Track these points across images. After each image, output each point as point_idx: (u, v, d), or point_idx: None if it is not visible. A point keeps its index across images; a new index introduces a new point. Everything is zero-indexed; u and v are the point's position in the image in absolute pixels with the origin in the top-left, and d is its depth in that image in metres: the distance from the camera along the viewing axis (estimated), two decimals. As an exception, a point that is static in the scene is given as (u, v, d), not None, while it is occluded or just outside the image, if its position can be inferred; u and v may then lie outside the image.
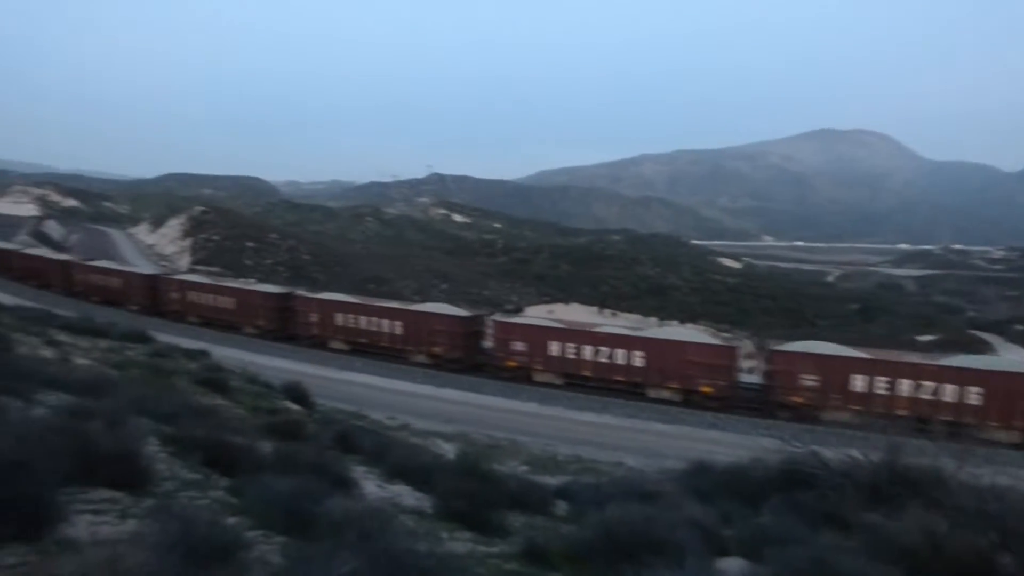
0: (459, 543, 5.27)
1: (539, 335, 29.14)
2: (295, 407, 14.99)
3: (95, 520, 3.87)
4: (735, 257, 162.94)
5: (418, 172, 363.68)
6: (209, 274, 59.75)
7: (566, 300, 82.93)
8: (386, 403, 25.76)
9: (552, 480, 12.65)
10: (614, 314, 76.86)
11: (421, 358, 31.97)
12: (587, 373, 28.07)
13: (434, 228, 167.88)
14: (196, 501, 4.77)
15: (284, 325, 36.83)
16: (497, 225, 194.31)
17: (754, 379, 29.54)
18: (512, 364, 29.55)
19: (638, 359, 27.15)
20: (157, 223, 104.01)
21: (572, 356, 28.32)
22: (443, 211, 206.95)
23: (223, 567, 3.15)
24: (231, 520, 4.19)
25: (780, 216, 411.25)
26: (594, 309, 78.11)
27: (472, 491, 6.19)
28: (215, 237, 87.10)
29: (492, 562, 4.82)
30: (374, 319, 33.46)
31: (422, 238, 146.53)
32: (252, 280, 55.85)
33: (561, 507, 7.88)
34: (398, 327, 32.62)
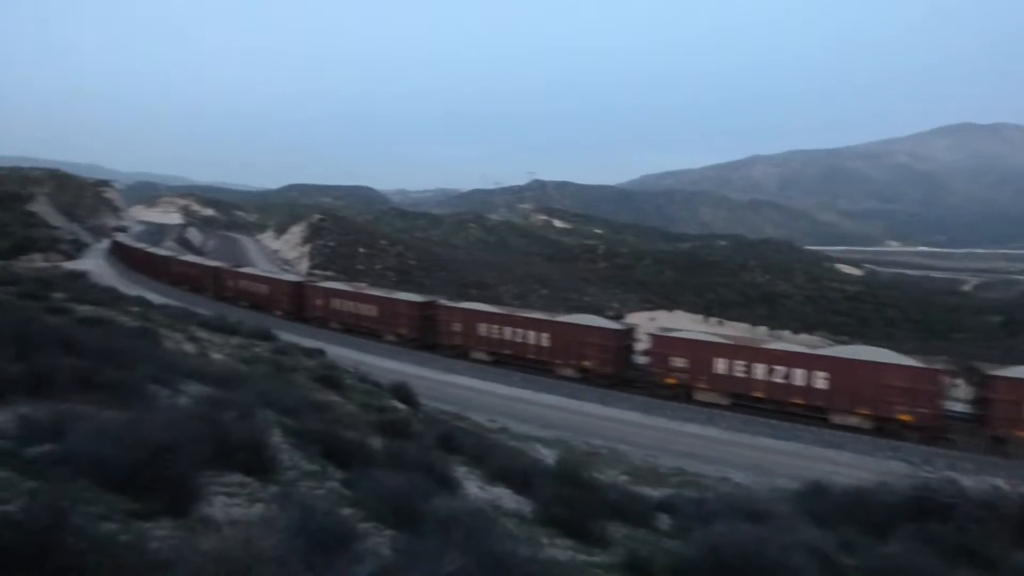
0: (559, 550, 5.27)
1: (703, 351, 27.18)
2: (401, 406, 15.59)
3: (228, 502, 4.22)
4: (855, 264, 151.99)
5: (520, 179, 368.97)
6: (326, 277, 63.50)
7: (670, 307, 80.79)
8: (486, 406, 26.20)
9: (653, 492, 12.34)
10: (720, 322, 73.88)
11: (569, 372, 30.65)
12: (759, 394, 25.92)
13: (535, 234, 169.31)
14: (314, 491, 5.08)
15: (426, 334, 36.40)
16: (598, 230, 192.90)
17: (963, 407, 25.85)
18: (671, 381, 27.71)
19: (821, 380, 24.77)
20: (281, 230, 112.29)
21: (741, 375, 26.22)
22: (544, 217, 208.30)
23: (339, 555, 3.33)
24: (346, 511, 4.43)
25: (907, 219, 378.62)
26: (699, 317, 75.50)
27: (572, 498, 6.17)
28: (331, 243, 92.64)
29: (594, 572, 4.78)
30: (519, 330, 32.40)
31: (523, 244, 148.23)
32: (363, 284, 58.67)
33: (663, 520, 7.67)
34: (545, 339, 31.45)
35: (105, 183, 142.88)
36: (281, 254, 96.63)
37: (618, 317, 64.22)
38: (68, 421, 4.13)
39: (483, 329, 33.75)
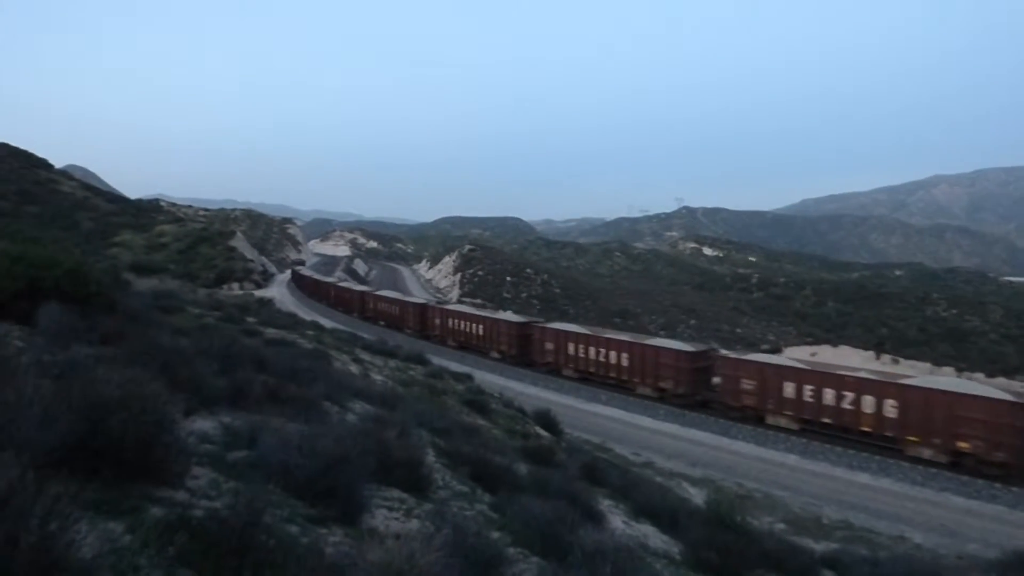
0: (710, 597, 5.01)
1: None
2: (545, 433, 15.73)
3: (388, 515, 4.53)
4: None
5: (667, 206, 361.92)
6: (475, 305, 66.02)
7: (834, 342, 73.98)
8: (630, 438, 25.60)
9: (815, 545, 11.32)
10: (895, 360, 66.18)
11: (929, 453, 23.32)
12: None
13: (683, 262, 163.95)
14: (465, 511, 5.30)
15: (698, 389, 30.48)
16: (752, 258, 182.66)
17: None
18: None
19: None
20: (435, 260, 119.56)
21: None
22: (693, 245, 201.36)
23: (489, 577, 3.45)
24: (494, 534, 4.57)
25: None
26: (869, 354, 68.22)
27: (725, 543, 5.86)
28: (480, 272, 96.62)
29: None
30: (849, 393, 25.13)
31: (670, 272, 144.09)
32: (508, 312, 60.10)
33: (828, 578, 7.00)
34: (890, 407, 24.23)
35: (289, 220, 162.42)
36: (434, 282, 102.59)
37: (775, 351, 59.89)
38: (260, 431, 4.70)
39: (790, 389, 26.88)
